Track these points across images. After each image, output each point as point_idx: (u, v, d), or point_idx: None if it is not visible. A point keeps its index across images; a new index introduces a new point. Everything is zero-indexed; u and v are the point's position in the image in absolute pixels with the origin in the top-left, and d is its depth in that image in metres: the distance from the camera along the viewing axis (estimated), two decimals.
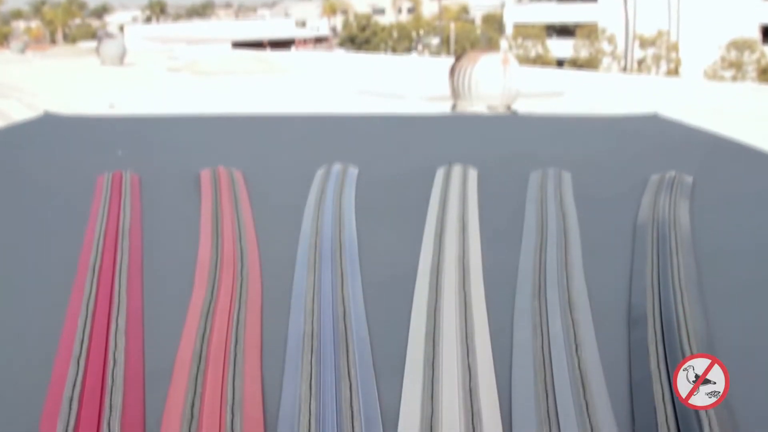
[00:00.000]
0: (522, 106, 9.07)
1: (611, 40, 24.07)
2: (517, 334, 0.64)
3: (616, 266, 0.79)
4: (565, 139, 1.48)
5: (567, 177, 1.09)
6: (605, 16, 24.80)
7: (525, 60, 21.36)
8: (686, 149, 1.37)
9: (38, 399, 0.54)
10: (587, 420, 0.51)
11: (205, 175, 1.07)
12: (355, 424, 0.51)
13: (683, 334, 0.61)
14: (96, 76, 15.40)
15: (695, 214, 0.94)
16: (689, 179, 1.06)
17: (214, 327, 0.64)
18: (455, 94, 9.53)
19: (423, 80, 12.41)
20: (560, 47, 25.07)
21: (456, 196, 1.01)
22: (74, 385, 0.55)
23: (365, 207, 0.99)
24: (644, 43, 23.15)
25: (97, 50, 19.35)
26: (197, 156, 1.25)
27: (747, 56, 20.76)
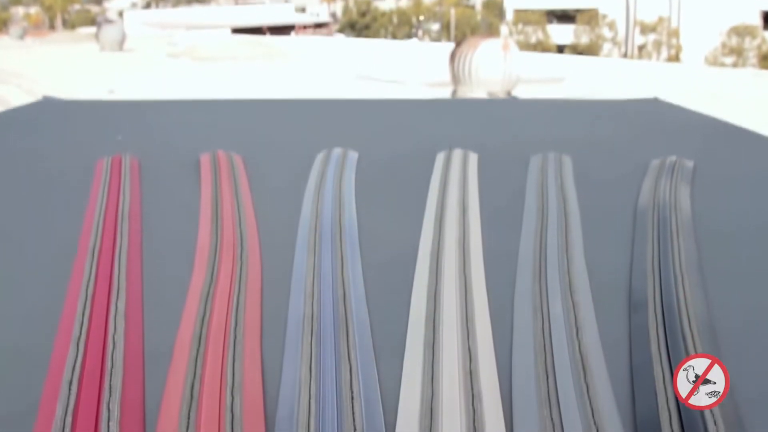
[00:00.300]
0: (522, 92, 9.05)
1: (612, 26, 23.99)
2: (518, 316, 0.64)
3: (616, 250, 0.79)
4: (566, 124, 1.48)
5: (567, 161, 1.09)
6: (606, 2, 24.69)
7: (525, 46, 21.29)
8: (686, 133, 1.37)
9: (37, 382, 0.53)
10: (588, 402, 0.51)
11: (205, 159, 1.07)
12: (355, 406, 0.51)
13: (684, 318, 0.61)
14: (95, 62, 15.37)
15: (695, 197, 0.94)
16: (690, 164, 1.06)
17: (214, 309, 0.63)
18: (455, 80, 9.52)
19: (423, 66, 12.37)
20: (561, 33, 24.98)
21: (456, 180, 1.00)
22: (74, 368, 0.54)
23: (365, 191, 0.98)
24: (645, 29, 23.08)
25: (96, 36, 19.28)
26: (197, 140, 1.25)
27: (748, 42, 20.70)
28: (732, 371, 0.53)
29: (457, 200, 0.92)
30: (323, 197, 0.93)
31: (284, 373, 0.55)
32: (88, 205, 0.90)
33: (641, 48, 23.14)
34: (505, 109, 1.84)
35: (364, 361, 0.56)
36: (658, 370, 0.54)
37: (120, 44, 18.51)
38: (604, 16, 24.22)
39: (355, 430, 0.48)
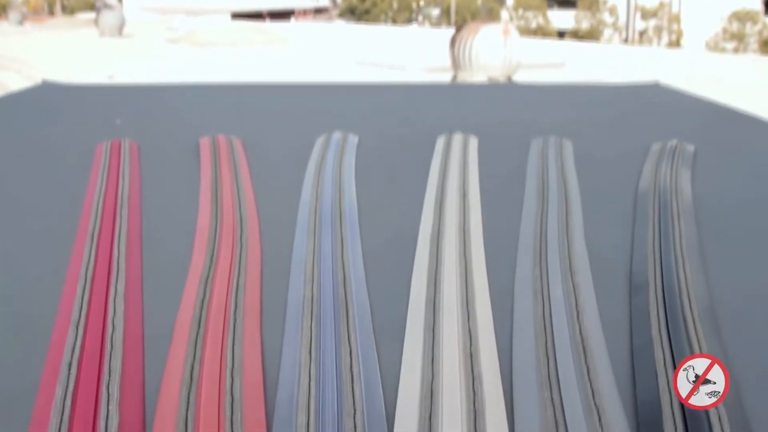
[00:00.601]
0: (523, 78, 9.02)
1: (612, 11, 23.90)
2: (518, 299, 0.64)
3: (617, 233, 0.79)
4: (567, 108, 1.48)
5: (568, 144, 1.09)
6: None
7: (526, 31, 21.22)
8: (687, 117, 1.37)
9: (37, 364, 0.53)
10: (588, 384, 0.51)
11: (205, 143, 1.07)
12: (356, 388, 0.50)
13: (684, 300, 0.61)
14: (95, 48, 15.32)
15: (695, 181, 0.94)
16: (691, 148, 1.06)
17: (214, 292, 0.63)
18: (455, 65, 9.48)
19: (423, 51, 12.33)
20: (561, 18, 24.89)
21: (457, 163, 1.00)
22: (73, 350, 0.54)
23: (365, 174, 0.98)
24: (646, 15, 23.00)
25: (95, 21, 19.20)
26: (196, 124, 1.25)
27: (749, 28, 20.63)
28: (732, 353, 0.53)
29: (457, 184, 0.92)
30: (323, 180, 0.93)
31: (284, 355, 0.55)
32: (87, 189, 0.90)
33: (642, 33, 23.06)
34: (506, 94, 1.84)
35: (364, 344, 0.56)
36: (659, 352, 0.54)
37: (119, 29, 18.43)
38: (605, 2, 24.14)
39: (355, 412, 0.48)
